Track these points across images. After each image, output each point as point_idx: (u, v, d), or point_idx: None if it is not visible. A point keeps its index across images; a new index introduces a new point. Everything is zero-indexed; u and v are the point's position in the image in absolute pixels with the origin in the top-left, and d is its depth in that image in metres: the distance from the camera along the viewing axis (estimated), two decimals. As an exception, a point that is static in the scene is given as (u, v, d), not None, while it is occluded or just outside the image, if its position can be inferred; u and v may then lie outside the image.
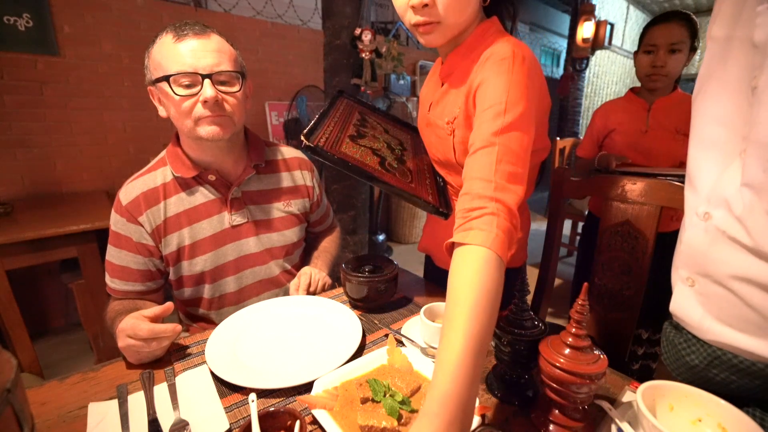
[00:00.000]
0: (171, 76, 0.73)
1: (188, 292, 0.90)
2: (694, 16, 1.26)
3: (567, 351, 0.51)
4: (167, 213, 0.84)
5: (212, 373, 0.64)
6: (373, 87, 2.29)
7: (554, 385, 0.51)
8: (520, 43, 0.66)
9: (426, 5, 0.64)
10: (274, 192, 0.96)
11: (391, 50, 2.84)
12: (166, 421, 0.54)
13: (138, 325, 0.64)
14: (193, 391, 0.61)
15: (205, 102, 0.75)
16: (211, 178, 0.86)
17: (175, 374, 0.64)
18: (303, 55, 2.90)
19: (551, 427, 0.54)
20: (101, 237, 1.58)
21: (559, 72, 6.24)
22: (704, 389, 0.50)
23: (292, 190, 0.99)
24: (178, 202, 0.85)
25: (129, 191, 0.83)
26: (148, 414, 0.55)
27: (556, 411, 0.54)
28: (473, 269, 0.47)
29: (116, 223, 0.83)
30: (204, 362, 0.67)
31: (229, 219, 0.88)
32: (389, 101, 3.11)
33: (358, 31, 2.12)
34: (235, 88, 0.80)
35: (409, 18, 0.68)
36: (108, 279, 0.84)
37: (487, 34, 0.72)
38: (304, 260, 1.08)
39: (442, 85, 0.80)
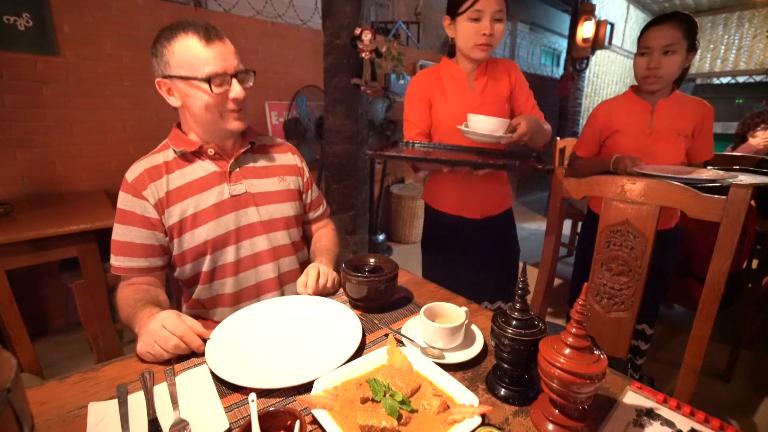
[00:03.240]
0: (211, 77, 0.82)
1: (189, 269, 0.93)
2: (691, 17, 1.26)
3: (567, 351, 0.51)
4: (169, 186, 0.89)
5: (212, 373, 0.64)
6: (373, 87, 2.29)
7: (554, 385, 0.51)
8: None
9: (492, 35, 1.11)
10: (269, 168, 1.03)
11: (391, 50, 2.84)
12: (166, 421, 0.54)
13: (180, 323, 0.69)
14: (193, 391, 0.61)
15: (235, 99, 0.86)
16: (211, 151, 0.93)
17: (175, 374, 0.64)
18: (303, 54, 2.90)
19: (551, 427, 0.54)
20: (101, 237, 1.58)
21: (559, 72, 6.23)
22: None
23: (284, 167, 1.06)
24: (180, 176, 0.91)
25: (134, 170, 0.89)
26: (148, 414, 0.55)
27: (556, 411, 0.54)
28: None
29: (122, 200, 0.88)
30: (204, 362, 0.67)
31: (228, 189, 0.93)
32: (389, 101, 3.11)
33: (358, 30, 2.12)
34: (249, 84, 0.91)
35: (476, 40, 1.13)
36: (113, 259, 0.88)
37: (494, 58, 1.26)
38: (307, 253, 1.12)
39: (475, 89, 1.23)
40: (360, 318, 0.81)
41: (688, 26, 1.24)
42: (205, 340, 0.70)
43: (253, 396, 0.52)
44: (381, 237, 3.34)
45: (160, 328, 0.67)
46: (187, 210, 0.89)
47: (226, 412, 0.56)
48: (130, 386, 0.61)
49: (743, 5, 6.29)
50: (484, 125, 1.06)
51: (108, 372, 0.66)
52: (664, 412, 0.59)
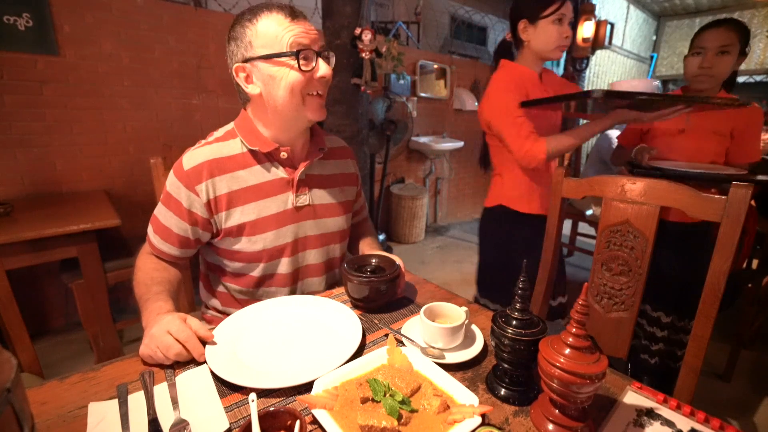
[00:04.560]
0: (300, 51, 0.77)
1: (238, 268, 0.91)
2: (745, 24, 1.31)
3: (567, 351, 0.51)
4: (234, 186, 0.85)
5: (212, 373, 0.64)
6: (373, 87, 2.29)
7: (554, 385, 0.51)
8: None
9: (569, 37, 1.24)
10: (333, 177, 0.99)
11: (391, 50, 2.84)
12: (166, 421, 0.54)
13: (183, 328, 0.67)
14: (193, 391, 0.61)
15: (322, 78, 0.81)
16: (284, 155, 0.88)
17: (175, 374, 0.64)
18: (303, 55, 2.90)
19: (551, 427, 0.54)
20: (101, 237, 1.58)
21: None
22: None
23: (345, 177, 1.03)
24: (249, 176, 0.86)
25: (194, 157, 0.83)
26: (148, 414, 0.55)
27: (556, 411, 0.54)
28: None
29: (172, 185, 0.84)
30: (204, 362, 0.67)
31: (293, 199, 0.90)
32: (389, 101, 3.11)
33: (358, 30, 2.12)
34: (331, 64, 0.85)
35: (559, 42, 1.23)
36: (150, 232, 0.88)
37: None
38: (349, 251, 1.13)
39: (547, 89, 1.32)
40: (360, 318, 0.81)
41: (743, 31, 1.30)
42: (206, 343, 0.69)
43: (253, 396, 0.52)
44: (381, 237, 3.34)
45: (164, 333, 0.66)
46: (249, 215, 0.86)
47: (226, 412, 0.56)
48: (130, 386, 0.61)
49: (743, 5, 6.29)
50: (646, 87, 1.14)
51: (108, 372, 0.66)
52: (664, 412, 0.59)
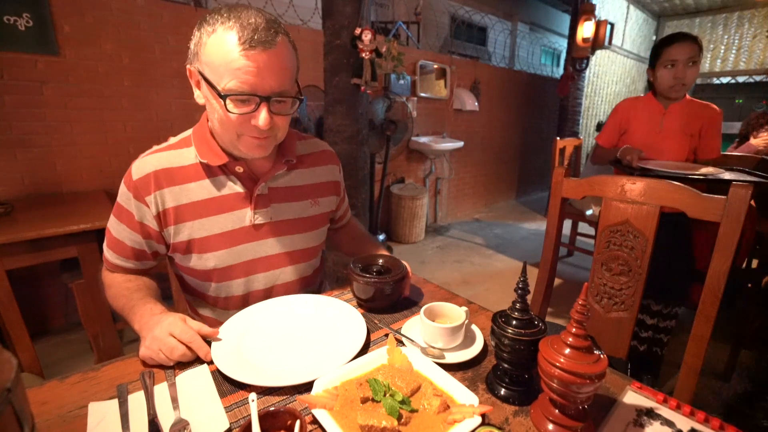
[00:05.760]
0: (228, 95, 0.67)
1: (194, 283, 0.87)
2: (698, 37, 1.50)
3: (567, 351, 0.51)
4: (183, 199, 0.78)
5: (213, 373, 0.64)
6: (373, 87, 2.29)
7: (554, 385, 0.51)
8: None
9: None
10: (304, 189, 0.90)
11: (391, 50, 2.84)
12: (166, 420, 0.54)
13: (187, 329, 0.66)
14: (193, 390, 0.61)
15: (255, 127, 0.71)
16: (239, 170, 0.80)
17: (175, 374, 0.64)
18: (303, 54, 2.87)
19: (551, 426, 0.54)
20: (101, 237, 1.57)
21: (559, 72, 6.23)
22: None
23: (321, 186, 0.94)
24: (200, 190, 0.79)
25: (142, 166, 0.76)
26: (148, 414, 0.55)
27: (556, 411, 0.54)
28: None
29: (122, 195, 0.78)
30: (204, 362, 0.67)
31: (251, 216, 0.82)
32: (389, 101, 3.10)
33: (358, 30, 2.12)
34: (289, 111, 0.75)
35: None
36: (105, 249, 0.82)
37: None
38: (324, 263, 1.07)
39: None
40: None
41: (700, 44, 1.48)
42: (210, 342, 0.69)
43: (253, 396, 0.52)
44: (381, 237, 3.34)
45: (167, 336, 0.65)
46: (198, 231, 0.79)
47: (226, 412, 0.56)
48: (130, 386, 0.61)
49: (743, 5, 6.29)
50: None
51: (108, 372, 0.66)
52: (664, 411, 0.59)
